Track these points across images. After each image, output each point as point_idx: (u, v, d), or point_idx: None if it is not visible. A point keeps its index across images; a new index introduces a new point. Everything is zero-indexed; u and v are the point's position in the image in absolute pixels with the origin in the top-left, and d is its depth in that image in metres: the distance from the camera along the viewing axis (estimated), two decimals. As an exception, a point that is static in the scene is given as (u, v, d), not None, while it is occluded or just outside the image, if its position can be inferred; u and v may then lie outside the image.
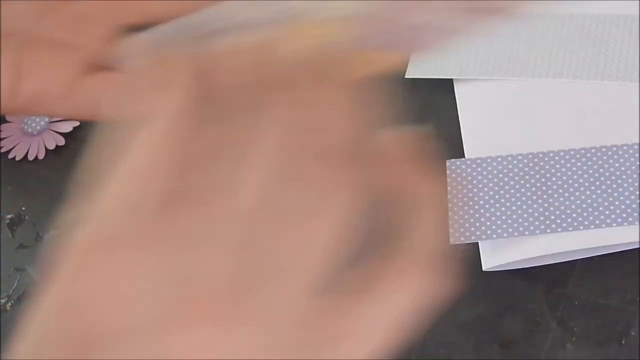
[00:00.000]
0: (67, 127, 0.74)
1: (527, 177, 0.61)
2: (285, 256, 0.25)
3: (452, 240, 0.57)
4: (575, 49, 0.66)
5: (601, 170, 0.60)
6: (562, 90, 0.65)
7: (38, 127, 0.73)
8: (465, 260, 0.56)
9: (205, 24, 0.30)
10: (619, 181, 0.59)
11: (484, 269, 0.58)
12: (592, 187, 0.60)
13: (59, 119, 0.74)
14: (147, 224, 0.24)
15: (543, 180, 0.61)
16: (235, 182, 0.25)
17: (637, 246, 0.58)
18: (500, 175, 0.61)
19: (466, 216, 0.59)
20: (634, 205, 0.58)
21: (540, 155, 0.62)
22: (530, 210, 0.59)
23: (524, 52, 0.67)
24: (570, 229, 0.58)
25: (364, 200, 0.26)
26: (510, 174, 0.61)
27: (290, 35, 0.28)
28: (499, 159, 0.62)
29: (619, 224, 0.58)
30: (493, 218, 0.59)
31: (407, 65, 0.67)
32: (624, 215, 0.58)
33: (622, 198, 0.59)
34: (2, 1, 0.34)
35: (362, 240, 0.27)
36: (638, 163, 0.60)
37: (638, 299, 0.57)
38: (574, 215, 0.59)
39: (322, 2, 0.28)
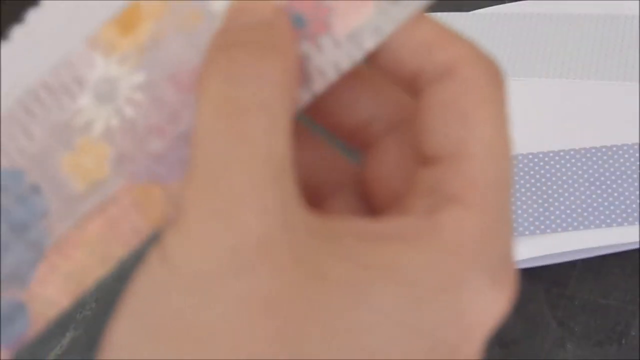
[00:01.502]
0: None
1: (527, 177, 0.61)
2: None
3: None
4: (575, 49, 0.66)
5: (601, 170, 0.60)
6: (562, 90, 0.65)
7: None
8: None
9: None
10: (619, 181, 0.59)
11: (484, 269, 0.58)
12: (592, 187, 0.60)
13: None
14: None
15: (543, 180, 0.61)
16: None
17: (637, 246, 0.58)
18: (500, 175, 0.61)
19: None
20: (634, 205, 0.58)
21: (540, 155, 0.62)
22: (530, 210, 0.59)
23: (524, 52, 0.67)
24: (570, 229, 0.58)
25: None
26: (510, 174, 0.61)
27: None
28: (499, 159, 0.62)
29: (619, 224, 0.58)
30: (493, 218, 0.59)
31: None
32: (624, 215, 0.58)
33: (622, 198, 0.59)
34: None
35: None
36: (638, 163, 0.60)
37: (638, 299, 0.57)
38: (574, 215, 0.59)
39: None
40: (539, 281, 0.59)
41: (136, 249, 0.25)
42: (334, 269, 0.22)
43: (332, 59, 0.24)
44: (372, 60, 0.24)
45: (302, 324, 0.21)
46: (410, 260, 0.22)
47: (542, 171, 0.61)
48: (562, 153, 0.61)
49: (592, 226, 0.58)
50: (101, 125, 0.25)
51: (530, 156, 0.62)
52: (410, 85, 0.24)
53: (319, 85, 0.25)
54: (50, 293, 0.25)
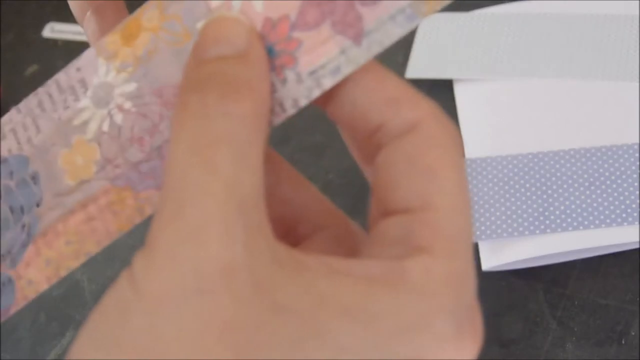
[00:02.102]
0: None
1: (527, 177, 0.61)
2: None
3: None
4: (575, 49, 0.66)
5: (601, 170, 0.60)
6: (562, 90, 0.65)
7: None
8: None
9: None
10: (619, 181, 0.59)
11: (483, 269, 0.58)
12: (592, 187, 0.60)
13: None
14: None
15: (543, 180, 0.61)
16: None
17: (637, 246, 0.58)
18: (500, 175, 0.61)
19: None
20: (634, 205, 0.58)
21: (540, 155, 0.62)
22: (530, 210, 0.59)
23: (524, 52, 0.67)
24: (570, 229, 0.58)
25: None
26: (510, 174, 0.61)
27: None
28: (499, 159, 0.62)
29: (619, 224, 0.58)
30: (493, 218, 0.59)
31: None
32: (624, 215, 0.58)
33: (622, 198, 0.59)
34: None
35: None
36: (638, 163, 0.60)
37: (638, 299, 0.57)
38: (574, 215, 0.59)
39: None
40: (539, 281, 0.59)
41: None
42: (294, 300, 0.22)
43: (293, 93, 0.25)
44: (338, 112, 0.25)
45: (258, 351, 0.21)
46: (374, 299, 0.22)
47: (542, 171, 0.61)
48: (562, 153, 0.61)
49: (592, 226, 0.58)
50: (94, 127, 0.26)
51: (530, 156, 0.62)
52: (370, 139, 0.25)
53: (278, 118, 0.25)
54: (32, 275, 0.27)
